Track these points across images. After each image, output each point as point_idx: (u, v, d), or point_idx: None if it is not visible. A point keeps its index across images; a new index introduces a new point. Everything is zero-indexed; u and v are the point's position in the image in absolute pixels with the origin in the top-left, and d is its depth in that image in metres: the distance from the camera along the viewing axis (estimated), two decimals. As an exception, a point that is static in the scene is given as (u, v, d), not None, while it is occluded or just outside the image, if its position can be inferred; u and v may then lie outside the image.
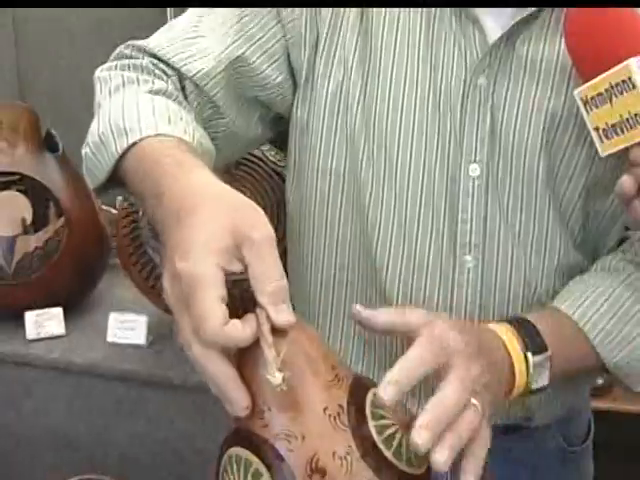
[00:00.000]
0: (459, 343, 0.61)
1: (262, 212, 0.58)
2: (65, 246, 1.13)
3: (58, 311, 1.14)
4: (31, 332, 1.12)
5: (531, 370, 0.68)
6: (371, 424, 0.56)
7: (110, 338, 1.11)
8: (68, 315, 1.16)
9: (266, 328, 0.54)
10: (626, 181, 0.68)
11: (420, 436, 0.55)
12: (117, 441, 1.11)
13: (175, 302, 0.57)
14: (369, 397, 0.57)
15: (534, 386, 0.69)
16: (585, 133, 0.76)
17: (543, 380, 0.70)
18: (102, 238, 1.22)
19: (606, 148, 0.72)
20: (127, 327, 1.10)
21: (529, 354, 0.68)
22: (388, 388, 0.56)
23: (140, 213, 1.05)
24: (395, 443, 0.56)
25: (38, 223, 1.13)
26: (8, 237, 1.11)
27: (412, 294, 0.80)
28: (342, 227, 0.84)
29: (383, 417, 0.57)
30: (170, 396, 1.07)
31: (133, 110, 0.69)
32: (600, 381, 1.69)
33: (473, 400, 0.59)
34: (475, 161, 0.77)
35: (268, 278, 0.55)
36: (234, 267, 0.56)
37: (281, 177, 1.09)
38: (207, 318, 0.53)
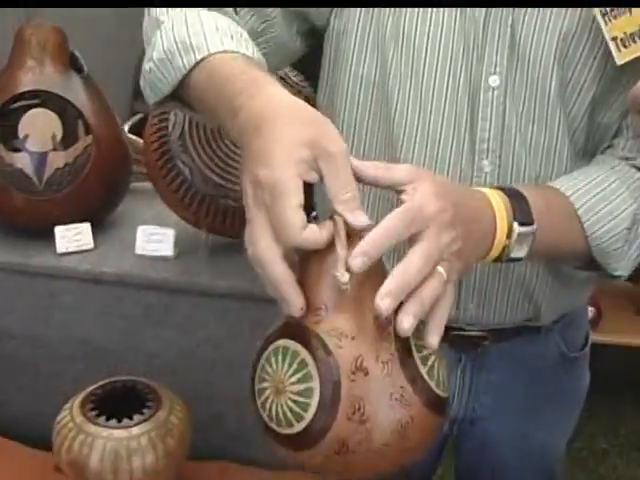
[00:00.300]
0: (435, 212, 0.63)
1: (334, 127, 0.63)
2: (93, 163, 1.17)
3: (87, 226, 1.19)
4: (61, 246, 1.17)
5: (513, 239, 0.72)
6: (412, 341, 0.61)
7: (138, 251, 1.16)
8: (96, 230, 1.21)
9: (342, 232, 0.58)
10: None
11: (383, 302, 0.58)
12: (145, 348, 1.17)
13: (253, 205, 0.61)
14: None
15: (511, 255, 0.73)
16: (595, 50, 0.82)
17: (521, 252, 0.73)
18: (126, 157, 1.26)
19: (623, 56, 0.78)
20: (155, 240, 1.15)
21: (515, 224, 0.72)
22: (358, 257, 0.58)
23: (170, 128, 1.10)
24: (429, 363, 0.62)
25: (67, 140, 1.17)
26: (40, 153, 1.15)
27: None
28: (369, 132, 0.90)
29: (422, 341, 0.62)
30: (198, 303, 1.12)
31: (197, 27, 0.74)
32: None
33: (439, 267, 0.61)
34: (495, 73, 0.83)
35: (344, 188, 0.60)
36: (311, 177, 0.61)
37: (302, 96, 1.14)
38: (288, 223, 0.58)
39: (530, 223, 0.73)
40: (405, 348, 0.60)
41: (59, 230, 1.17)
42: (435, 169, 0.86)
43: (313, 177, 0.60)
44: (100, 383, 1.02)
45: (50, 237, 1.18)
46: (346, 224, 0.59)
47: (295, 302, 0.59)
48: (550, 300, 0.95)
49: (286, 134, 0.60)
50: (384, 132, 0.89)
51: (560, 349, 1.05)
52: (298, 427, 0.59)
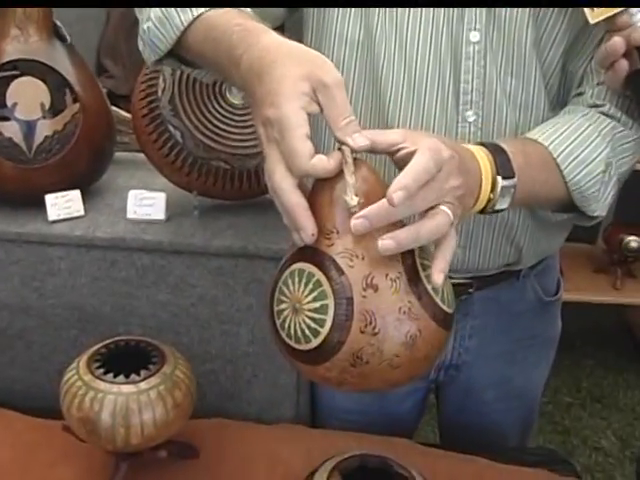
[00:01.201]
0: (448, 156, 0.67)
1: (329, 61, 0.67)
2: (81, 130, 1.19)
3: (76, 193, 1.20)
4: (52, 214, 1.18)
5: (497, 192, 0.76)
6: (418, 260, 0.66)
7: (130, 215, 1.18)
8: (85, 197, 1.22)
9: (350, 160, 0.63)
10: (618, 41, 0.80)
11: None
12: (140, 310, 1.19)
13: (266, 143, 0.66)
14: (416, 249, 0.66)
15: (496, 207, 0.77)
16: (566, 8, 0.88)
17: (504, 203, 0.78)
18: (111, 124, 1.28)
19: (596, 16, 0.84)
20: (146, 204, 1.17)
21: (499, 178, 0.76)
22: (399, 193, 0.61)
23: (160, 93, 1.12)
24: (433, 283, 0.65)
25: (55, 108, 1.18)
26: (29, 121, 1.16)
27: None
28: (355, 92, 0.94)
29: (427, 259, 0.66)
30: (192, 263, 1.15)
31: None
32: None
33: (444, 207, 0.65)
34: (475, 29, 0.88)
35: (341, 115, 0.64)
36: (313, 108, 0.65)
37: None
38: (297, 153, 0.63)
39: (512, 176, 0.77)
40: (411, 267, 0.65)
41: (50, 198, 1.18)
42: (422, 121, 0.91)
43: (315, 109, 0.65)
44: (103, 343, 1.05)
45: (41, 205, 1.19)
46: (353, 153, 0.63)
47: (307, 227, 0.64)
48: (530, 243, 1.01)
49: (286, 74, 0.64)
50: (370, 91, 0.93)
51: (537, 294, 1.12)
52: (315, 342, 0.64)
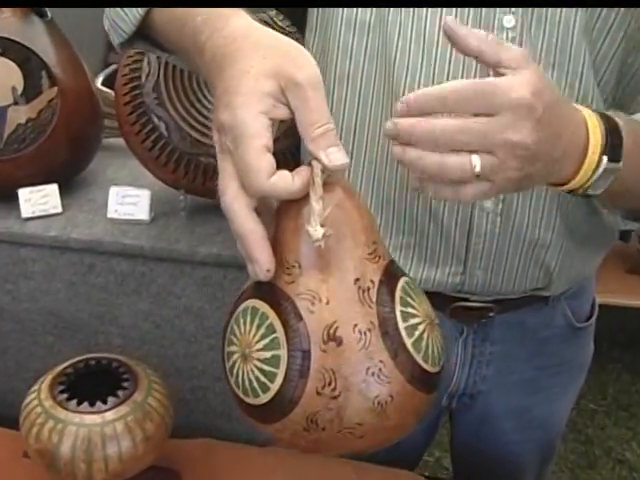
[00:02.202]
0: (517, 101, 0.56)
1: (307, 52, 0.54)
2: (59, 118, 1.07)
3: (54, 187, 1.08)
4: (26, 210, 1.07)
5: (598, 174, 0.64)
6: (398, 309, 0.54)
7: (111, 214, 1.06)
8: (64, 192, 1.10)
9: (318, 180, 0.51)
10: None
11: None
12: (121, 320, 1.08)
13: (220, 154, 0.55)
14: (401, 283, 0.56)
15: (590, 191, 0.65)
16: None
17: (599, 189, 0.65)
18: (96, 111, 1.15)
19: None
20: (129, 202, 1.05)
21: (604, 158, 0.63)
22: (412, 96, 0.54)
23: (143, 78, 0.99)
24: (417, 334, 0.54)
25: (30, 93, 1.06)
26: (-1, 107, 1.04)
27: None
28: (365, 79, 0.81)
29: (411, 306, 0.55)
30: (176, 271, 1.03)
31: None
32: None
33: (475, 157, 0.56)
34: (510, 12, 0.74)
35: (315, 122, 0.52)
36: (279, 113, 0.52)
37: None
38: (251, 168, 0.51)
39: (618, 160, 0.64)
40: (388, 316, 0.54)
41: (23, 193, 1.07)
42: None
43: (282, 114, 0.53)
44: (72, 361, 0.93)
45: (14, 200, 1.07)
46: (324, 172, 0.52)
47: (261, 261, 0.52)
48: (562, 266, 0.87)
49: (248, 68, 0.53)
50: (382, 81, 0.80)
51: (567, 319, 0.99)
52: (264, 398, 0.55)
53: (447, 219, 0.82)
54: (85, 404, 0.86)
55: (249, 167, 0.51)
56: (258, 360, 0.54)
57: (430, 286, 0.87)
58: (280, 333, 0.53)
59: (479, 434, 1.08)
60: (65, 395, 0.87)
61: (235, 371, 0.56)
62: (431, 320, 0.56)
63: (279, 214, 0.55)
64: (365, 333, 0.52)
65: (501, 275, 0.86)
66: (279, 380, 0.53)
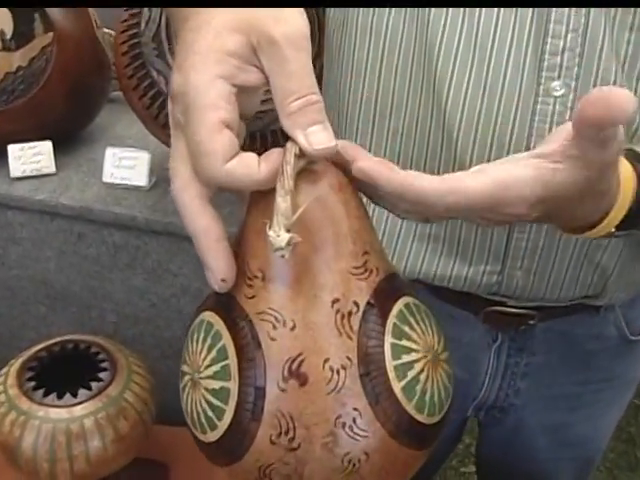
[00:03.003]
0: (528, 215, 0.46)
1: (293, 9, 0.41)
2: (55, 66, 0.95)
3: (47, 145, 0.98)
4: (15, 169, 0.97)
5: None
6: (389, 341, 0.42)
7: (106, 178, 0.95)
8: (59, 150, 1.00)
9: (289, 168, 0.38)
10: None
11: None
12: (115, 297, 0.98)
13: (173, 129, 0.43)
14: (398, 306, 0.42)
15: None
16: None
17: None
18: (101, 60, 1.03)
19: None
20: (126, 165, 0.94)
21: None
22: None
23: (142, 27, 0.87)
24: (411, 375, 0.42)
25: (21, 39, 0.95)
26: (-16, 53, 0.94)
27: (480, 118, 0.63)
28: (390, 35, 0.67)
29: (408, 338, 0.42)
30: (173, 247, 0.92)
31: None
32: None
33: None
34: (558, 78, 0.60)
35: (293, 92, 0.39)
36: (248, 79, 0.40)
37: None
38: (203, 150, 0.40)
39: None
40: (373, 351, 0.41)
41: (13, 149, 0.97)
42: (489, 92, 0.63)
43: (252, 79, 0.40)
44: (48, 342, 0.84)
45: (3, 158, 0.97)
46: (301, 158, 0.39)
47: (214, 268, 0.41)
48: (621, 271, 0.73)
49: (209, 19, 0.41)
50: (414, 37, 0.65)
51: (620, 331, 0.84)
52: (211, 436, 0.43)
53: None
54: (52, 395, 0.76)
55: (200, 148, 0.39)
56: (206, 390, 0.43)
57: (460, 285, 0.73)
58: (232, 361, 0.41)
59: (508, 449, 0.95)
60: (32, 383, 0.77)
61: (185, 396, 0.45)
62: (435, 356, 0.44)
63: (247, 208, 0.43)
64: (338, 371, 0.40)
65: (546, 279, 0.71)
66: (227, 419, 0.42)
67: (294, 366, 0.40)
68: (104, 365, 0.80)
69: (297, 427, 0.40)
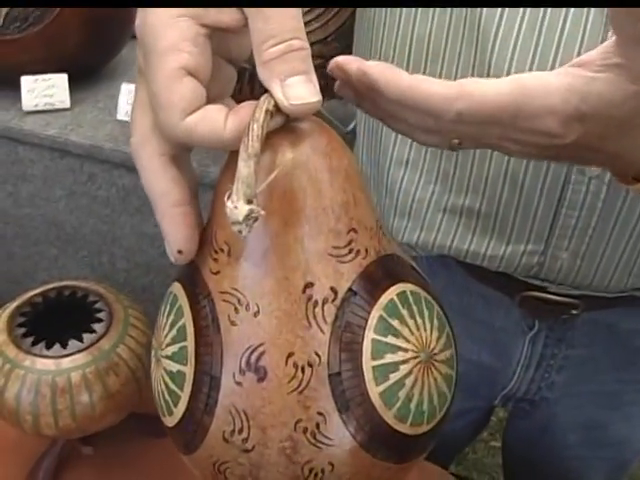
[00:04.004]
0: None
1: None
2: (70, -5, 0.89)
3: (62, 78, 0.92)
4: (28, 102, 0.92)
5: None
6: (369, 337, 0.35)
7: (121, 116, 0.89)
8: (76, 85, 0.94)
9: (256, 126, 0.32)
10: None
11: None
12: (125, 242, 0.93)
13: (138, 75, 0.37)
14: (390, 294, 0.36)
15: None
16: None
17: None
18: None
19: None
20: (141, 104, 0.88)
21: None
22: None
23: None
24: (394, 378, 0.36)
25: (36, -39, 0.89)
26: (-4, -25, 0.88)
27: None
28: (451, 41, 0.59)
29: (397, 334, 0.35)
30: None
31: None
32: None
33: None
34: None
35: (271, 35, 0.33)
36: (222, 18, 0.34)
37: None
38: (160, 101, 0.34)
39: None
40: (347, 347, 0.35)
41: (26, 81, 0.91)
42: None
43: (226, 19, 0.34)
44: (44, 288, 0.79)
45: (15, 90, 0.92)
46: (273, 114, 0.33)
47: (169, 236, 0.35)
48: None
49: None
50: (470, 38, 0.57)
51: None
52: (169, 421, 0.39)
53: (529, 182, 0.59)
54: (41, 345, 0.71)
55: (157, 99, 0.33)
56: (165, 371, 0.38)
57: (495, 266, 0.65)
58: (190, 343, 0.36)
59: (536, 445, 0.88)
60: (22, 330, 0.73)
61: (152, 372, 0.40)
62: (430, 356, 0.37)
63: (222, 169, 0.37)
64: (303, 369, 0.34)
65: (595, 264, 0.63)
66: (181, 407, 0.37)
67: (253, 358, 0.34)
68: (100, 316, 0.75)
69: (252, 427, 0.34)
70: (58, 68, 0.92)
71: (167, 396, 0.38)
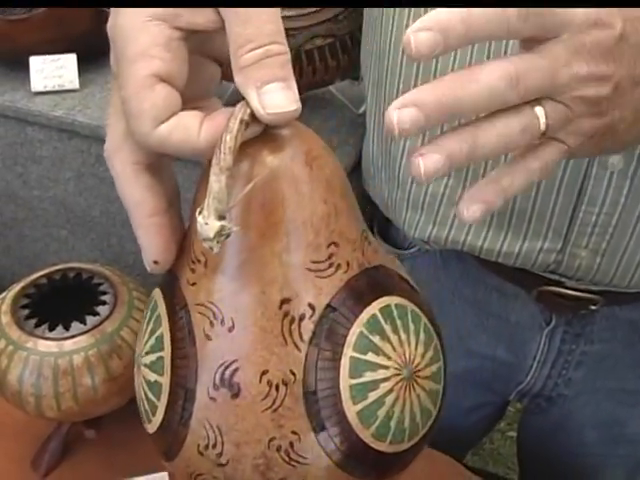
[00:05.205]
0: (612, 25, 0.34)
1: None
2: (79, -27, 0.88)
3: (72, 58, 0.91)
4: (37, 83, 0.91)
5: None
6: (348, 354, 0.34)
7: (129, 97, 0.88)
8: (86, 66, 0.94)
9: (231, 136, 0.30)
10: None
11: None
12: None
13: (113, 80, 0.36)
14: (372, 309, 0.35)
15: None
16: None
17: None
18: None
19: None
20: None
21: None
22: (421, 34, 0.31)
23: None
24: (373, 397, 0.34)
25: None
26: (5, -47, 0.87)
27: None
28: None
29: (378, 351, 0.34)
30: (193, 174, 0.85)
31: None
32: None
33: (539, 108, 0.34)
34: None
35: (248, 40, 0.32)
36: (197, 20, 0.33)
37: None
38: (131, 109, 0.32)
39: None
40: (324, 365, 0.34)
41: (35, 62, 0.91)
42: None
43: (199, 20, 0.33)
44: (49, 269, 0.78)
45: (24, 70, 0.92)
46: (248, 124, 0.31)
47: (144, 246, 0.34)
48: None
49: None
50: None
51: None
52: (149, 428, 0.39)
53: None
54: (44, 327, 0.71)
55: (127, 106, 0.32)
56: (144, 379, 0.38)
57: (511, 262, 0.63)
58: (167, 354, 0.35)
59: (552, 442, 0.86)
60: (26, 312, 0.73)
61: (134, 375, 0.40)
62: (413, 372, 0.35)
63: (200, 177, 0.36)
64: (277, 387, 0.33)
65: (616, 262, 0.60)
66: (159, 417, 0.37)
67: (227, 374, 0.33)
68: (104, 298, 0.74)
69: (225, 442, 0.34)
70: (67, 49, 0.91)
71: (146, 404, 0.38)
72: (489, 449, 1.74)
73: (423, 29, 0.31)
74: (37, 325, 0.71)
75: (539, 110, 0.34)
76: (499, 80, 0.33)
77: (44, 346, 0.69)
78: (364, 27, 0.68)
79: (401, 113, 0.31)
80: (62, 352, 0.69)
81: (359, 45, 0.75)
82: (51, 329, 0.71)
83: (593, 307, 0.66)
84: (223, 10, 0.32)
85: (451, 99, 0.32)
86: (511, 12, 0.32)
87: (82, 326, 0.71)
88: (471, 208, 0.35)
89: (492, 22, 0.32)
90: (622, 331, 0.70)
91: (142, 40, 0.31)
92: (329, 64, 0.79)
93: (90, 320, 0.72)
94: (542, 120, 0.34)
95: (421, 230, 0.64)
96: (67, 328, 0.71)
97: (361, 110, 0.89)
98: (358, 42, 0.78)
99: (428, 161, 0.33)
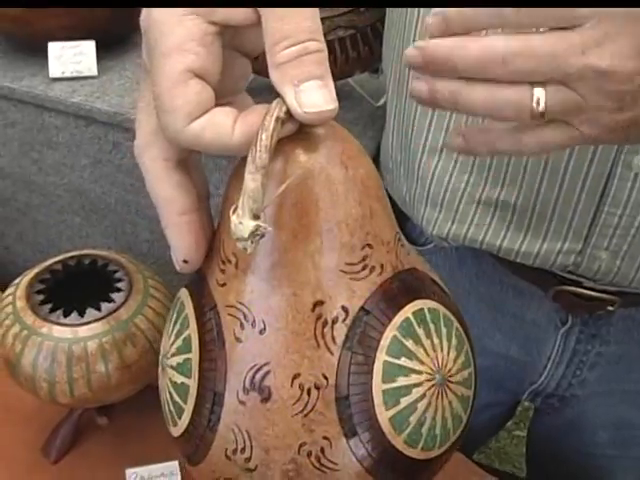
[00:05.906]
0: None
1: None
2: (99, -41, 0.88)
3: (90, 45, 0.91)
4: (55, 69, 0.90)
5: None
6: (381, 359, 0.33)
7: (147, 85, 0.88)
8: (105, 53, 0.93)
9: (265, 137, 0.29)
10: None
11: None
12: (149, 212, 0.92)
13: (143, 73, 0.35)
14: (405, 313, 0.34)
15: None
16: None
17: None
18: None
19: None
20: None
21: None
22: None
23: None
24: (406, 402, 0.34)
25: None
26: (26, -63, 0.87)
27: None
28: None
29: (411, 355, 0.33)
30: (209, 163, 0.85)
31: None
32: None
33: (539, 89, 0.34)
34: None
35: (284, 37, 0.31)
36: (234, 14, 0.32)
37: None
38: (164, 105, 0.32)
39: None
40: (357, 370, 0.33)
41: (53, 48, 0.90)
42: None
43: (238, 15, 0.32)
44: (64, 256, 0.78)
45: (43, 56, 0.91)
46: (284, 122, 0.31)
47: (174, 245, 0.34)
48: None
49: None
50: None
51: None
52: (174, 431, 0.38)
53: (570, 176, 0.56)
54: (59, 312, 0.71)
55: (160, 102, 0.32)
56: (170, 380, 0.37)
57: (530, 262, 0.62)
58: (195, 356, 0.35)
59: (563, 442, 0.86)
60: (41, 297, 0.72)
61: (159, 377, 0.40)
62: (445, 378, 0.35)
63: (231, 175, 0.36)
64: (309, 391, 0.32)
65: (636, 265, 0.60)
66: (185, 420, 0.36)
67: (257, 377, 0.33)
68: (119, 285, 0.74)
69: (254, 447, 0.33)
70: (86, 35, 0.91)
71: (171, 407, 0.37)
72: (495, 447, 1.73)
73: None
74: (52, 311, 0.71)
75: (539, 91, 0.34)
76: (486, 56, 0.33)
77: (58, 332, 0.69)
78: (386, 22, 0.67)
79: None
80: (76, 338, 0.69)
81: (380, 37, 0.74)
82: (66, 315, 0.71)
83: (610, 308, 0.65)
84: (260, 7, 0.32)
85: (444, 57, 0.34)
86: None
87: (97, 313, 0.71)
88: (456, 140, 0.37)
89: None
90: (638, 333, 0.70)
91: (177, 34, 0.31)
92: (350, 55, 0.78)
93: (105, 307, 0.72)
94: (541, 101, 0.34)
95: (439, 227, 0.64)
96: (82, 314, 0.71)
97: (380, 102, 0.89)
98: (379, 34, 0.77)
99: (416, 84, 0.35)
